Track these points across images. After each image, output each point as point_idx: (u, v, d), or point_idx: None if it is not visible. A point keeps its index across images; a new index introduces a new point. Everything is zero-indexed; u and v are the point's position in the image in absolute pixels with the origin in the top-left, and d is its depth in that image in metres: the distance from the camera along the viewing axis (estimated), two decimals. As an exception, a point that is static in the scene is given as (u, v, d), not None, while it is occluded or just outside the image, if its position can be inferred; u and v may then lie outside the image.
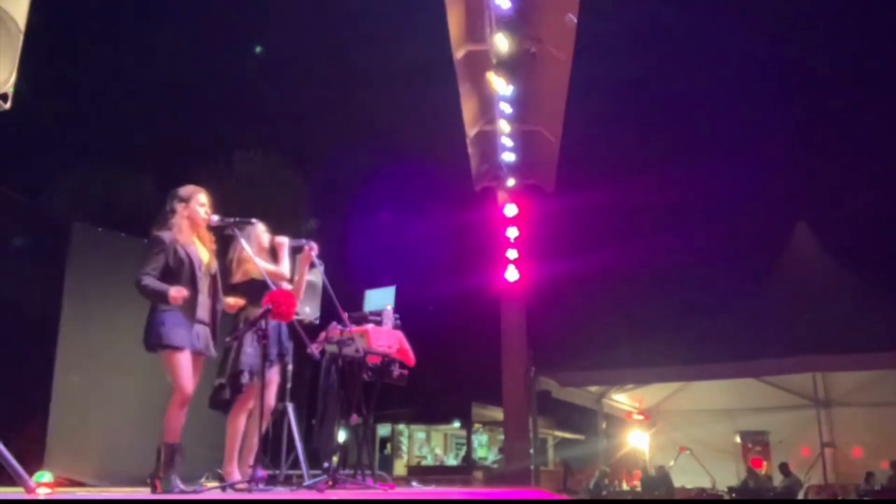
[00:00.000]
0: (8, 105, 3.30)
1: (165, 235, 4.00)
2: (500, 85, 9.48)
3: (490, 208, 11.59)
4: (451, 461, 20.95)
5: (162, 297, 3.86)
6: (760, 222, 19.72)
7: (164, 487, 3.73)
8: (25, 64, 3.33)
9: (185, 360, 3.87)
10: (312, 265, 4.95)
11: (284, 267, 4.74)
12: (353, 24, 18.93)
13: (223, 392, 4.40)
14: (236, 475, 4.31)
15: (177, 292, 3.85)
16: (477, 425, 20.26)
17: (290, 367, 5.04)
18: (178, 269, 3.95)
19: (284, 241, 4.80)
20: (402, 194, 18.98)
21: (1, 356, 5.95)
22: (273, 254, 4.81)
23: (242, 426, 4.45)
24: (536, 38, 9.24)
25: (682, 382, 12.60)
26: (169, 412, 3.85)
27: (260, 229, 4.78)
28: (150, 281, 3.88)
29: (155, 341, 3.85)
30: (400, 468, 19.10)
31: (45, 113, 12.98)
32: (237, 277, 4.57)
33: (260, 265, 4.42)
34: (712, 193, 21.43)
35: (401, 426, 20.84)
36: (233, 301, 4.45)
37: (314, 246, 4.79)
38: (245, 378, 4.36)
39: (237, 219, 4.27)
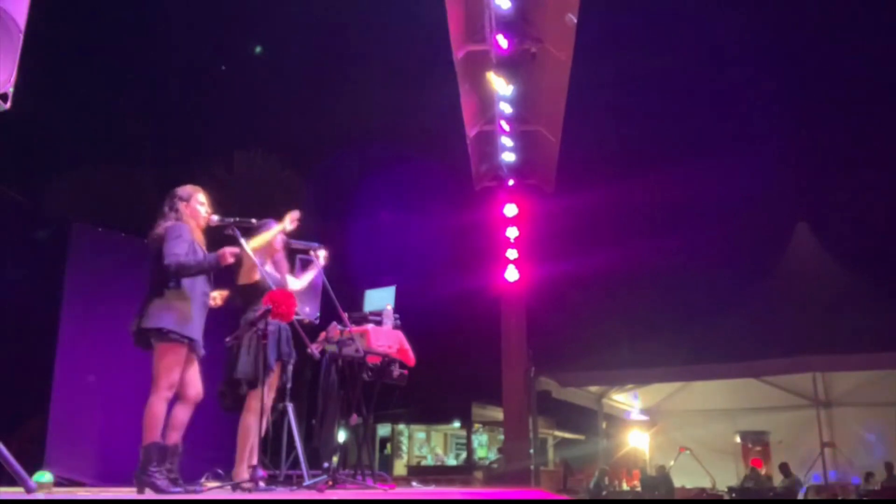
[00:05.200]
0: (8, 105, 3.29)
1: (184, 226, 3.98)
2: (500, 85, 9.47)
3: (490, 208, 11.58)
4: (451, 461, 20.95)
5: (211, 266, 3.92)
6: (760, 222, 19.72)
7: (155, 489, 3.67)
8: (25, 64, 3.32)
9: (184, 356, 3.87)
10: (309, 262, 5.01)
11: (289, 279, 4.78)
12: (353, 23, 18.95)
13: (225, 398, 4.41)
14: (245, 476, 4.30)
15: (227, 251, 3.95)
16: (477, 425, 20.27)
17: (290, 367, 5.04)
18: None
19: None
20: (402, 194, 18.99)
21: (1, 356, 5.95)
22: (289, 255, 4.85)
23: (252, 428, 4.44)
24: (536, 38, 9.24)
25: (683, 382, 12.59)
26: (154, 408, 3.75)
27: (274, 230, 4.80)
28: (189, 258, 3.86)
29: (167, 327, 3.78)
30: (400, 468, 19.11)
31: (46, 113, 12.97)
32: (243, 279, 4.57)
33: (260, 269, 4.43)
34: (712, 193, 21.44)
35: (401, 426, 20.84)
36: (218, 294, 4.36)
37: (318, 256, 4.83)
38: (242, 389, 4.37)
39: (237, 218, 4.26)
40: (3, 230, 6.53)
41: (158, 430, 3.75)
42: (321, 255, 4.87)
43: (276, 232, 4.68)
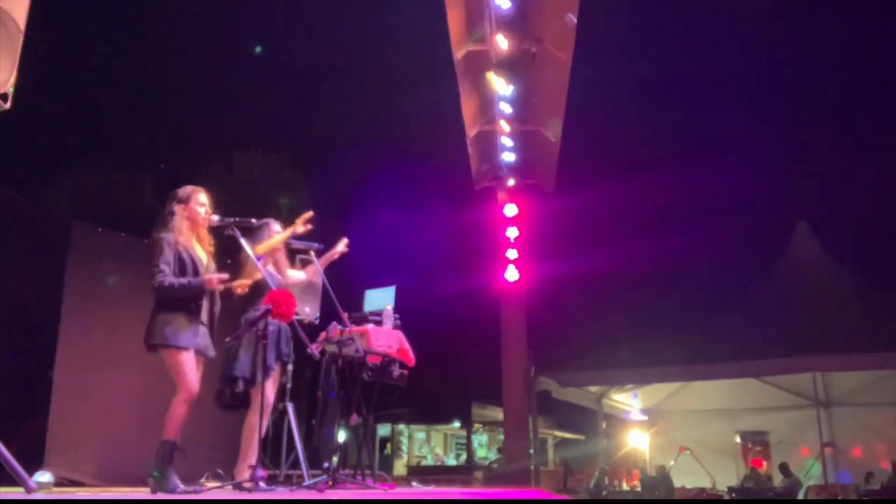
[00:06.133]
0: (8, 105, 3.29)
1: (168, 237, 4.00)
2: (500, 85, 9.47)
3: (490, 208, 11.59)
4: (451, 461, 20.95)
5: (197, 290, 3.93)
6: (760, 222, 19.74)
7: (162, 486, 3.73)
8: (25, 64, 3.32)
9: (190, 360, 3.90)
10: (309, 262, 5.02)
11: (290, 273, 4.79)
12: (353, 24, 18.95)
13: (223, 396, 4.41)
14: (246, 475, 4.30)
15: (214, 277, 3.96)
16: (477, 425, 20.27)
17: (290, 367, 5.04)
18: (182, 272, 3.96)
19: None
20: (402, 194, 18.99)
21: (1, 356, 5.95)
22: (290, 255, 4.86)
23: (257, 426, 4.44)
24: (536, 38, 9.25)
25: (683, 382, 12.59)
26: (174, 409, 3.86)
27: (275, 229, 4.80)
28: (175, 279, 3.90)
29: (160, 341, 3.86)
30: (400, 468, 19.10)
31: (45, 113, 12.97)
32: (245, 278, 4.57)
33: (262, 270, 4.43)
34: (712, 193, 21.46)
35: (401, 426, 20.84)
36: (237, 283, 4.36)
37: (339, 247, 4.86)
38: (240, 386, 4.38)
39: (237, 219, 4.25)
40: (3, 230, 6.53)
41: (174, 430, 3.84)
42: (342, 242, 4.94)
43: (284, 236, 4.69)
